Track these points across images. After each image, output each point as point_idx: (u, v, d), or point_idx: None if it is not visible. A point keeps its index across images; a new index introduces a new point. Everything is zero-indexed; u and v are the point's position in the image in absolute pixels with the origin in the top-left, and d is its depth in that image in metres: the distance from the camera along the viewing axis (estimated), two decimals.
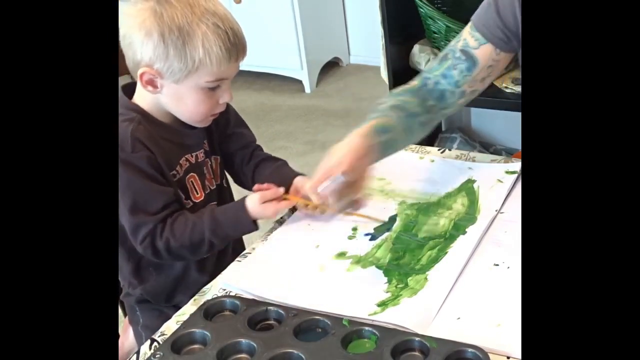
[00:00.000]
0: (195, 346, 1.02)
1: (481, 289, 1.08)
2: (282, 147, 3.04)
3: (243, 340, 1.00)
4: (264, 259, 1.21)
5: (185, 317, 1.07)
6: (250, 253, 1.23)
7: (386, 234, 1.23)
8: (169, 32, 1.14)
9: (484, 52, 1.29)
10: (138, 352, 1.04)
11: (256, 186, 1.28)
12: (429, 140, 2.65)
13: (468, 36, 1.32)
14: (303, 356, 0.96)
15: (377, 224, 1.26)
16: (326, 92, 3.59)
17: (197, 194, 1.30)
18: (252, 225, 1.25)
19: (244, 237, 1.42)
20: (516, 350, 0.94)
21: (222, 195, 1.37)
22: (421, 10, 2.26)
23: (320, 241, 1.23)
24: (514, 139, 2.51)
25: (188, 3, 1.15)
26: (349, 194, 1.18)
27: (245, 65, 1.23)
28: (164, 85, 1.19)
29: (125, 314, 1.44)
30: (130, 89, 1.27)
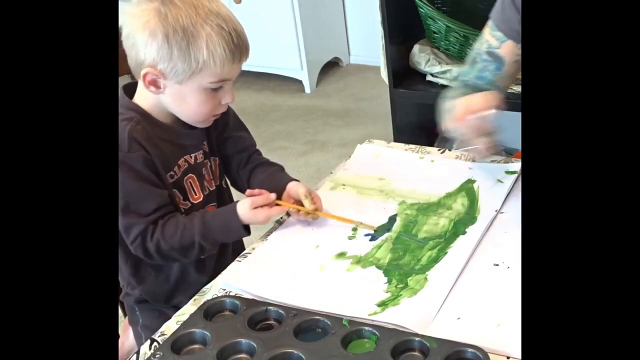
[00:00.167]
0: (195, 346, 1.02)
1: (481, 289, 1.08)
2: (282, 147, 3.04)
3: (243, 340, 1.00)
4: (263, 259, 1.21)
5: (185, 317, 1.07)
6: (250, 253, 1.23)
7: (386, 234, 1.23)
8: (174, 33, 1.14)
9: (507, 49, 1.33)
10: (138, 352, 1.04)
11: (248, 191, 1.27)
12: (429, 140, 2.65)
13: (489, 37, 1.36)
14: (303, 356, 0.96)
15: (377, 224, 1.26)
16: (326, 92, 3.59)
17: (196, 195, 1.30)
18: (243, 231, 1.24)
19: (244, 237, 1.42)
20: (516, 350, 0.94)
21: (222, 196, 1.37)
22: (421, 10, 2.26)
23: (320, 241, 1.23)
24: (514, 139, 2.51)
25: (192, 4, 1.15)
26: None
27: (245, 65, 1.24)
28: (167, 85, 1.19)
29: (125, 314, 1.44)
30: (131, 89, 1.27)
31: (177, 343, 1.01)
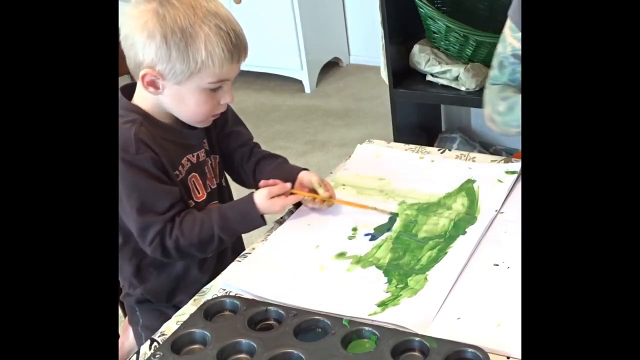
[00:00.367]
0: (195, 346, 1.02)
1: (481, 289, 1.08)
2: (282, 147, 3.04)
3: (243, 340, 1.00)
4: (264, 259, 1.21)
5: (185, 317, 1.07)
6: (250, 253, 1.23)
7: (386, 234, 1.23)
8: (172, 34, 1.14)
9: None
10: (138, 352, 1.04)
11: (263, 182, 1.28)
12: (429, 140, 2.65)
13: (512, 40, 1.39)
14: (303, 356, 0.96)
15: (377, 224, 1.26)
16: (326, 92, 3.59)
17: (199, 193, 1.30)
18: (261, 221, 1.25)
19: (244, 237, 1.42)
20: (516, 350, 0.94)
21: (222, 194, 1.38)
22: (421, 10, 2.26)
23: (320, 241, 1.23)
24: (514, 139, 2.51)
25: (190, 4, 1.15)
26: None
27: (245, 65, 1.24)
28: (166, 86, 1.19)
29: (125, 314, 1.44)
30: (130, 90, 1.27)
31: (177, 343, 1.01)
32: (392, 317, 1.03)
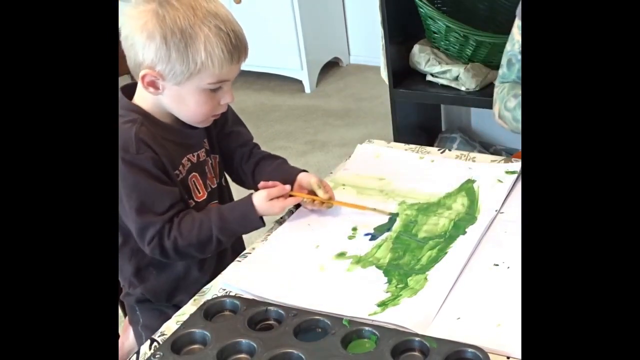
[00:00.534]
0: (195, 346, 1.02)
1: (481, 289, 1.08)
2: (282, 147, 3.04)
3: (243, 340, 1.00)
4: (264, 259, 1.21)
5: (185, 317, 1.07)
6: (250, 253, 1.23)
7: (386, 234, 1.23)
8: (171, 34, 1.14)
9: None
10: (138, 352, 1.04)
11: (262, 183, 1.28)
12: (429, 140, 2.65)
13: (519, 37, 1.39)
14: (303, 356, 0.96)
15: (377, 224, 1.26)
16: (326, 92, 3.59)
17: (200, 193, 1.30)
18: (260, 222, 1.25)
19: (244, 237, 1.42)
20: (516, 350, 0.94)
21: (222, 194, 1.38)
22: (421, 10, 2.26)
23: (320, 241, 1.23)
24: (514, 139, 2.51)
25: (190, 5, 1.15)
26: None
27: (245, 65, 1.24)
28: (166, 87, 1.19)
29: (125, 314, 1.44)
30: (130, 90, 1.27)
31: (177, 343, 1.01)
32: (392, 317, 1.03)
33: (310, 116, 3.37)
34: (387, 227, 1.25)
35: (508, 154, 2.54)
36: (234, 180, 1.43)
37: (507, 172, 1.36)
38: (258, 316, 1.05)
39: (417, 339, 0.97)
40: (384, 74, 2.41)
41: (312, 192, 1.29)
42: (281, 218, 1.32)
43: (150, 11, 1.15)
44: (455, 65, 2.29)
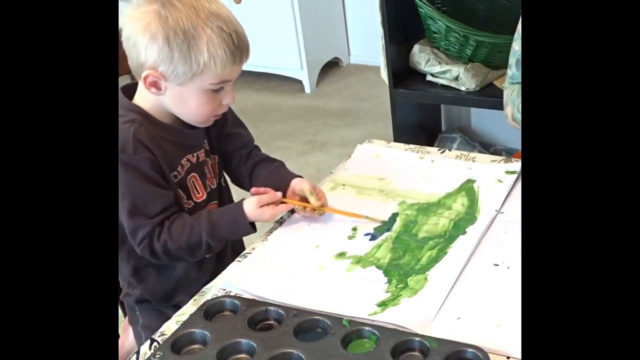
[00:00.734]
0: (195, 346, 1.02)
1: (481, 289, 1.08)
2: (282, 147, 3.04)
3: (243, 340, 1.00)
4: (264, 259, 1.21)
5: (185, 317, 1.07)
6: (250, 253, 1.23)
7: (386, 234, 1.23)
8: (174, 35, 1.14)
9: None
10: (138, 352, 1.04)
11: (253, 189, 1.28)
12: (429, 140, 2.65)
13: None
14: (303, 356, 0.96)
15: (377, 224, 1.26)
16: (326, 92, 3.59)
17: (199, 193, 1.30)
18: (250, 228, 1.25)
19: (244, 237, 1.42)
20: (516, 350, 0.94)
21: (222, 194, 1.37)
22: (421, 10, 2.26)
23: (320, 241, 1.23)
24: (514, 139, 2.52)
25: (192, 6, 1.15)
26: None
27: (245, 65, 1.23)
28: (168, 87, 1.19)
29: (125, 314, 1.44)
30: (130, 90, 1.27)
31: (177, 343, 1.01)
32: (392, 317, 1.03)
33: (310, 116, 3.37)
34: (387, 227, 1.25)
35: (508, 154, 2.54)
36: (232, 181, 1.43)
37: (507, 172, 1.36)
38: (258, 316, 1.05)
39: (417, 339, 0.97)
40: (384, 74, 2.41)
41: (305, 199, 1.29)
42: (281, 218, 1.32)
43: (153, 12, 1.15)
44: (455, 65, 2.29)
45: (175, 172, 1.26)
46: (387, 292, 1.09)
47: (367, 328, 1.00)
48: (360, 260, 1.17)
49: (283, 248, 1.23)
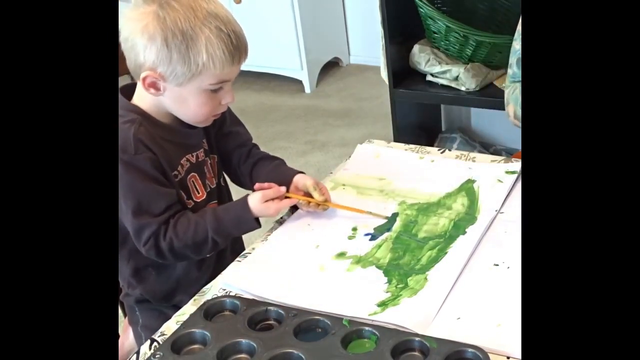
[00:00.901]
0: (195, 346, 1.02)
1: (481, 289, 1.08)
2: (282, 147, 3.04)
3: (243, 340, 1.00)
4: (264, 259, 1.21)
5: (185, 317, 1.07)
6: (250, 253, 1.23)
7: (386, 234, 1.23)
8: (172, 36, 1.14)
9: None
10: (138, 352, 1.04)
11: (257, 185, 1.28)
12: (429, 140, 2.65)
13: None
14: (303, 356, 0.96)
15: (377, 224, 1.26)
16: (326, 92, 3.59)
17: (199, 193, 1.30)
18: (255, 223, 1.25)
19: (244, 237, 1.42)
20: (516, 350, 0.94)
21: (222, 194, 1.38)
22: (421, 10, 2.26)
23: (320, 241, 1.23)
24: (514, 139, 2.52)
25: (190, 7, 1.15)
26: None
27: (245, 65, 1.24)
28: (167, 88, 1.19)
29: (125, 314, 1.44)
30: (129, 90, 1.27)
31: (177, 343, 1.01)
32: (392, 317, 1.03)
33: (310, 116, 3.37)
34: (387, 227, 1.25)
35: (508, 154, 2.54)
36: (232, 180, 1.44)
37: (507, 172, 1.36)
38: (258, 316, 1.05)
39: (417, 339, 0.97)
40: (384, 74, 2.41)
41: (308, 194, 1.29)
42: (281, 218, 1.32)
43: (151, 13, 1.15)
44: (455, 65, 2.29)
45: (176, 172, 1.26)
46: (387, 292, 1.09)
47: (367, 328, 1.00)
48: (360, 260, 1.17)
49: (283, 248, 1.23)
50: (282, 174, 1.33)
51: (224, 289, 1.15)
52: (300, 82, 3.60)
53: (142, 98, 1.25)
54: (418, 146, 1.51)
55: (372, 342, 0.99)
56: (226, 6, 1.22)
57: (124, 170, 1.17)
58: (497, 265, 1.13)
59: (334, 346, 0.98)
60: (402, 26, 2.34)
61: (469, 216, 1.25)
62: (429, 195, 1.33)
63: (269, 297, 1.10)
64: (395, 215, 1.28)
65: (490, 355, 0.93)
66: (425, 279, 1.11)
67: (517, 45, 1.47)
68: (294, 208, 1.33)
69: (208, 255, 1.31)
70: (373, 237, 1.23)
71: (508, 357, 0.95)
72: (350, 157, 1.50)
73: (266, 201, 1.24)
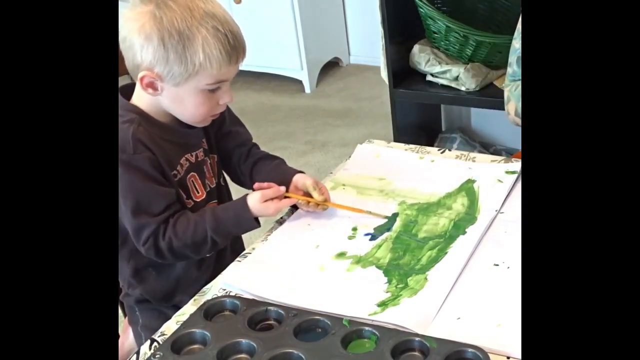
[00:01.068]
0: (195, 346, 1.02)
1: (481, 289, 1.08)
2: (282, 147, 3.04)
3: (243, 340, 1.00)
4: (264, 259, 1.21)
5: (185, 317, 1.07)
6: (250, 253, 1.23)
7: (386, 234, 1.23)
8: (169, 36, 1.14)
9: None
10: (138, 352, 1.04)
11: (257, 184, 1.28)
12: (429, 140, 2.65)
13: None
14: (303, 356, 0.96)
15: (377, 224, 1.26)
16: (326, 92, 3.59)
17: (198, 192, 1.30)
18: (254, 223, 1.25)
19: (244, 237, 1.42)
20: (516, 350, 0.94)
21: (221, 193, 1.38)
22: (421, 10, 2.26)
23: (320, 241, 1.23)
24: (514, 139, 2.52)
25: (187, 6, 1.15)
26: None
27: (245, 65, 1.24)
28: (164, 88, 1.19)
29: (125, 314, 1.44)
30: (128, 90, 1.27)
31: (177, 343, 1.01)
32: (392, 317, 1.03)
33: (310, 116, 3.37)
34: (387, 227, 1.25)
35: (508, 154, 2.54)
36: (232, 180, 1.44)
37: (507, 172, 1.36)
38: (258, 316, 1.05)
39: (417, 339, 0.97)
40: (384, 74, 2.41)
41: (307, 194, 1.29)
42: (281, 218, 1.32)
43: (148, 13, 1.15)
44: (455, 65, 2.29)
45: (175, 172, 1.26)
46: (387, 292, 1.09)
47: (367, 328, 1.00)
48: (360, 260, 1.17)
49: (283, 248, 1.23)
50: (282, 174, 1.33)
51: (224, 289, 1.15)
52: (300, 82, 3.60)
53: (140, 98, 1.25)
54: (418, 146, 1.51)
55: (372, 342, 0.99)
56: (226, 6, 1.22)
57: (123, 170, 1.17)
58: (497, 265, 1.13)
59: (334, 346, 0.98)
60: (402, 26, 2.34)
61: (469, 216, 1.25)
62: (429, 195, 1.33)
63: (269, 297, 1.10)
64: (395, 215, 1.28)
65: (490, 355, 0.93)
66: (425, 279, 1.11)
67: (516, 44, 1.47)
68: (293, 208, 1.33)
69: (208, 255, 1.31)
70: (373, 237, 1.23)
71: (508, 357, 0.95)
72: (350, 157, 1.50)
73: (265, 201, 1.24)
